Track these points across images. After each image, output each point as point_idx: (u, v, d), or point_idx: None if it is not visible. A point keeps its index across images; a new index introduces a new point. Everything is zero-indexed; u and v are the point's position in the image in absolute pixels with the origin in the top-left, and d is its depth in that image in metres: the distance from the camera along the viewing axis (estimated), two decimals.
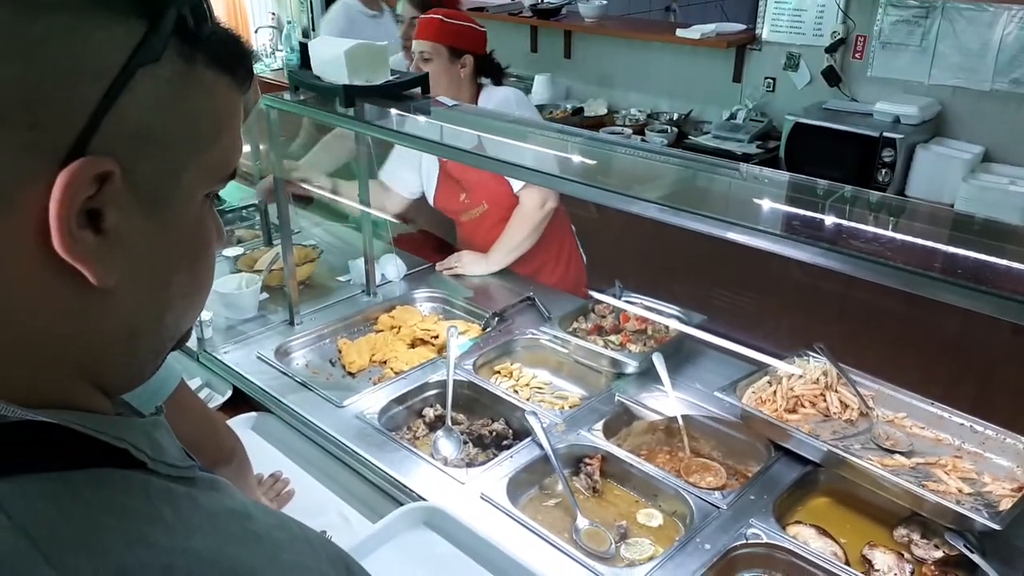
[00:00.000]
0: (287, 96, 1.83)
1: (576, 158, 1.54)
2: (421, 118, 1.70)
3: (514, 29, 4.59)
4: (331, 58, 1.70)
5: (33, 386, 0.45)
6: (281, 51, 5.53)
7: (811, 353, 1.68)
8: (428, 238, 2.69)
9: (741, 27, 3.74)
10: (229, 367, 1.81)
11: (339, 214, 2.59)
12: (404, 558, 1.27)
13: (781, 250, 1.08)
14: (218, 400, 1.75)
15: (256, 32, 5.90)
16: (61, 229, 0.42)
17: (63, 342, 0.46)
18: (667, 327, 1.88)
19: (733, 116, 3.72)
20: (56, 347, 0.46)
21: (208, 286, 0.54)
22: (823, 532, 1.34)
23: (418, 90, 1.76)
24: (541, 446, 1.52)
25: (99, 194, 0.43)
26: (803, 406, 1.58)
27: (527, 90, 4.39)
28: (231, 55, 0.49)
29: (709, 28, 3.70)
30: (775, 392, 1.61)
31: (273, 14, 6.00)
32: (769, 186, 1.41)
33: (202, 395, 1.78)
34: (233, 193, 2.83)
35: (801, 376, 1.63)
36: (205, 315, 1.90)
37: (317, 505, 1.42)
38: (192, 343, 1.90)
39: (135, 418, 0.52)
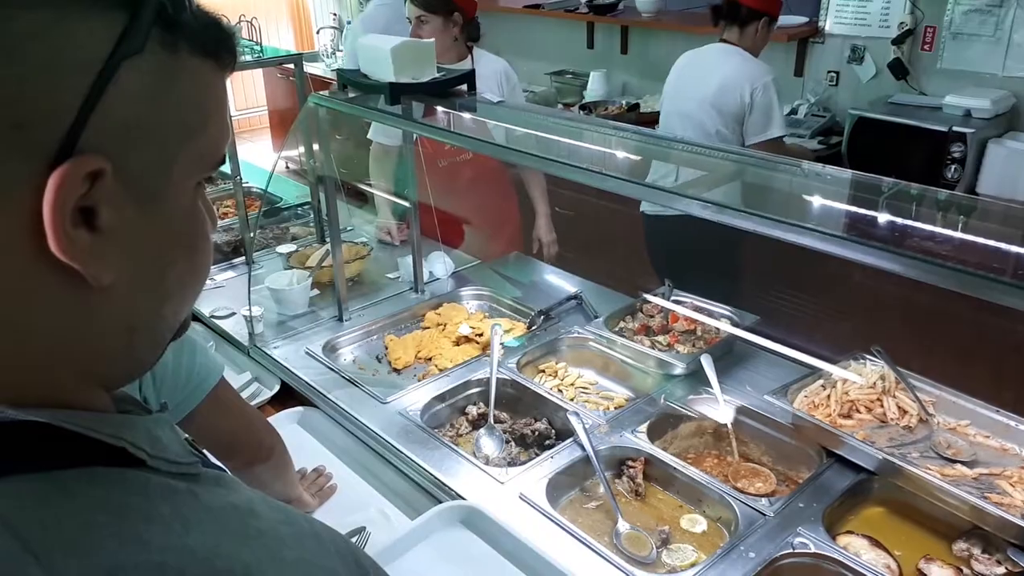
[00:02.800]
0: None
1: (628, 156, 1.52)
2: (467, 115, 1.69)
3: (569, 25, 4.56)
4: (378, 56, 1.70)
5: (26, 386, 0.44)
6: (341, 51, 5.62)
7: (868, 357, 1.61)
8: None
9: (803, 20, 3.63)
10: (278, 362, 1.83)
11: (392, 211, 2.61)
12: (440, 557, 1.27)
13: (843, 253, 1.03)
14: (266, 394, 1.78)
15: (318, 33, 6.01)
16: (56, 230, 0.41)
17: (59, 341, 0.45)
18: (717, 328, 1.84)
19: (794, 111, 3.62)
20: (52, 346, 0.45)
21: (205, 273, 0.54)
22: (876, 543, 1.28)
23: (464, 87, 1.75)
24: (583, 447, 1.49)
25: (91, 192, 0.42)
26: (858, 411, 1.52)
27: (582, 86, 4.36)
28: (214, 39, 0.48)
29: None
30: (829, 396, 1.55)
31: (334, 15, 6.10)
32: (831, 184, 1.35)
33: (251, 389, 1.82)
34: (288, 190, 2.89)
35: (857, 380, 1.57)
36: (256, 310, 1.94)
37: (358, 501, 1.43)
38: (243, 337, 1.94)
39: (136, 415, 0.51)
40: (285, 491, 1.32)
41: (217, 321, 2.05)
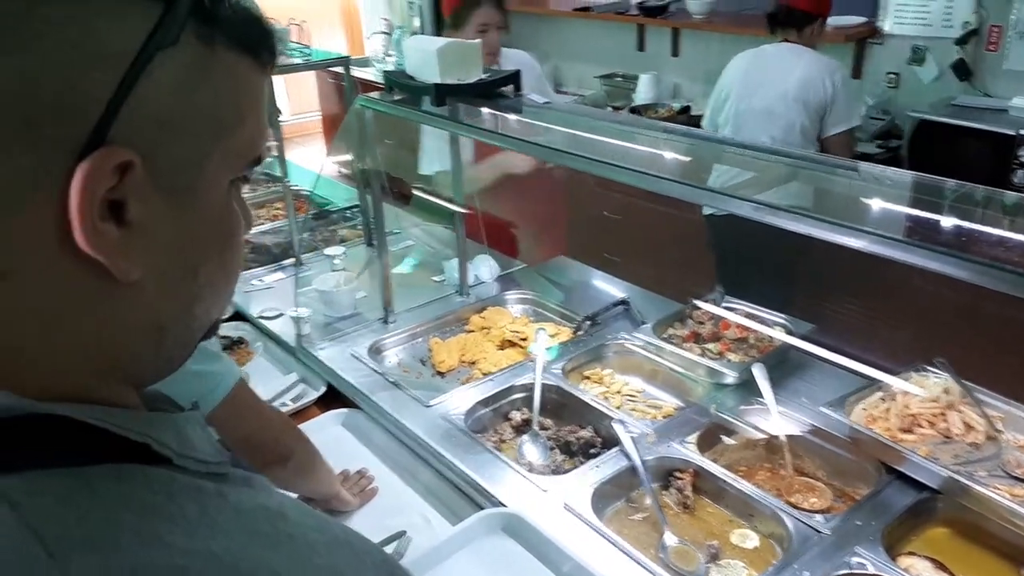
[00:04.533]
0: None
1: (680, 157, 1.48)
2: (513, 116, 1.67)
3: (620, 28, 4.51)
4: (424, 57, 1.70)
5: (52, 381, 0.44)
6: (392, 56, 5.67)
7: (931, 369, 1.54)
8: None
9: (861, 20, 3.52)
10: (324, 363, 1.84)
11: (439, 214, 2.60)
12: (481, 564, 1.24)
13: (903, 257, 0.98)
14: (312, 395, 1.78)
15: (369, 38, 6.08)
16: (83, 223, 0.40)
17: (87, 337, 0.44)
18: (771, 336, 1.78)
19: None
20: (79, 342, 0.44)
21: (236, 274, 0.52)
22: (940, 566, 1.22)
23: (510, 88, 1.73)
24: (628, 456, 1.45)
25: (120, 185, 0.41)
26: (920, 426, 1.44)
27: (632, 89, 4.31)
28: (252, 34, 0.47)
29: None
30: (888, 409, 1.48)
31: (386, 19, 6.15)
32: (890, 187, 1.29)
33: (297, 390, 1.82)
34: (338, 193, 2.90)
35: (919, 393, 1.49)
36: (303, 311, 1.94)
37: (399, 504, 1.42)
38: (291, 338, 1.95)
39: (167, 413, 0.50)
40: (319, 489, 1.32)
41: (265, 322, 2.06)
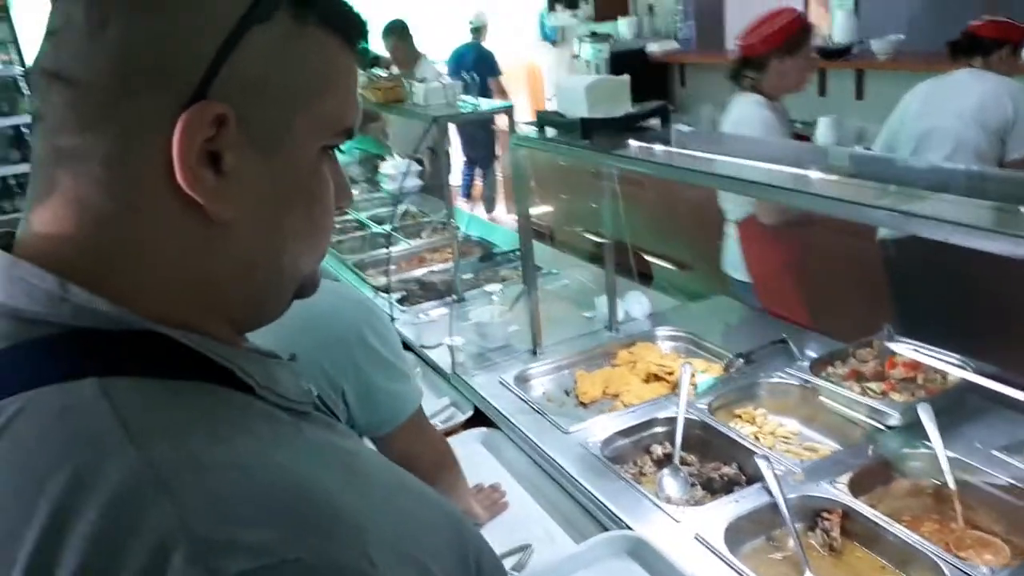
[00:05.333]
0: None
1: (842, 179, 1.39)
2: (658, 146, 1.68)
3: None
4: (574, 94, 1.76)
5: (165, 306, 0.51)
6: None
7: None
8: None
9: None
10: (474, 389, 1.91)
11: (590, 254, 2.64)
12: None
13: None
14: (459, 418, 1.86)
15: (550, 99, 6.34)
16: (183, 165, 0.48)
17: (191, 270, 0.51)
18: (944, 375, 1.62)
19: None
20: (186, 275, 0.51)
21: (324, 234, 0.58)
22: None
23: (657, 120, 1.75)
24: (770, 492, 1.37)
25: (217, 137, 0.48)
26: None
27: (810, 136, 4.13)
28: (343, 17, 0.54)
29: None
30: None
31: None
32: None
33: (447, 413, 1.91)
34: (509, 238, 3.00)
35: None
36: (458, 341, 2.04)
37: (526, 519, 1.44)
38: (447, 365, 2.04)
39: (260, 355, 0.56)
40: (455, 502, 1.37)
41: (426, 351, 2.18)
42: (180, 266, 0.51)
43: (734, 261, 2.59)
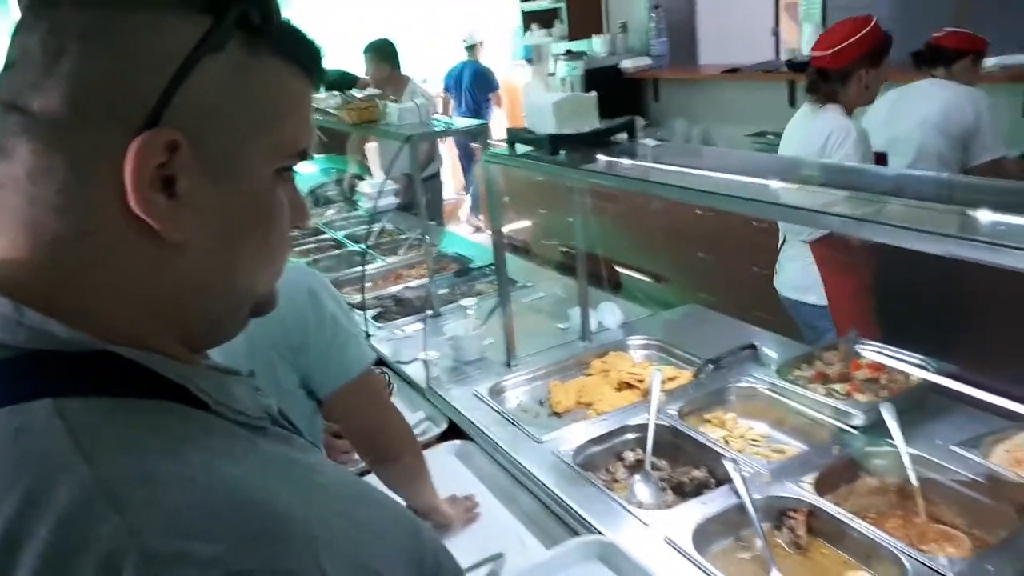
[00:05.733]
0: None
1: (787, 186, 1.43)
2: (625, 160, 1.71)
3: (769, 86, 4.46)
4: (543, 111, 1.80)
5: (119, 327, 0.52)
6: None
7: None
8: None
9: None
10: (448, 403, 1.93)
11: (564, 266, 2.67)
12: None
13: None
14: (434, 431, 1.87)
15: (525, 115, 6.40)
16: (135, 189, 0.49)
17: (144, 290, 0.53)
18: (906, 375, 1.66)
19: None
20: (139, 294, 0.53)
21: (280, 253, 0.59)
22: None
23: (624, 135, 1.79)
24: (738, 494, 1.40)
25: (170, 162, 0.50)
26: None
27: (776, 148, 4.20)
28: (296, 45, 0.56)
29: (992, 62, 3.26)
30: None
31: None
32: None
33: (421, 427, 1.92)
34: (485, 254, 3.03)
35: None
36: (432, 355, 2.06)
37: (498, 528, 1.46)
38: (420, 379, 2.06)
39: (216, 371, 0.58)
40: (421, 498, 1.39)
41: (401, 366, 2.20)
42: (135, 287, 0.52)
43: (801, 283, 2.45)
